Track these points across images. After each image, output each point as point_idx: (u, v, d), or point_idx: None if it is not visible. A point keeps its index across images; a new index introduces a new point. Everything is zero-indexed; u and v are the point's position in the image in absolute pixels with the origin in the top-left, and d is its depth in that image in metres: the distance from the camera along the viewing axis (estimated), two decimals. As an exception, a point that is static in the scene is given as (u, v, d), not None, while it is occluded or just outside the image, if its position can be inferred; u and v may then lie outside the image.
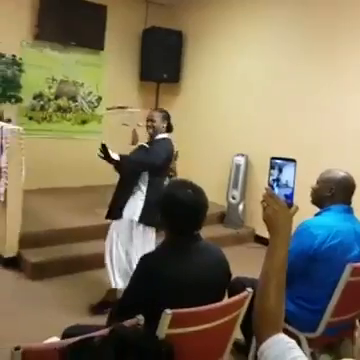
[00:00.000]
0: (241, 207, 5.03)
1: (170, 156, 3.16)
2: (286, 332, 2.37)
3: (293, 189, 1.11)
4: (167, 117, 3.25)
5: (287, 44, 4.75)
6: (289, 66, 4.72)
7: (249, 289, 1.69)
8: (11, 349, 1.24)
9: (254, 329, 1.10)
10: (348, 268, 2.07)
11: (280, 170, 1.13)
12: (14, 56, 4.87)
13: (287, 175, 1.11)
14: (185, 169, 4.79)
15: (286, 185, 1.11)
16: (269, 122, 4.93)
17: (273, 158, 1.14)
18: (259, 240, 4.73)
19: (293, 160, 1.12)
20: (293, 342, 1.04)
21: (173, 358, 0.77)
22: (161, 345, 0.79)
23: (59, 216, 4.27)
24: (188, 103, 5.97)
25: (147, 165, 2.99)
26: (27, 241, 3.69)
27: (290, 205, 1.10)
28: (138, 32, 6.00)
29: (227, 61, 5.45)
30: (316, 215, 2.29)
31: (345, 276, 2.08)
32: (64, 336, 1.88)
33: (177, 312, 1.52)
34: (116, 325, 0.81)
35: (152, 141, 3.14)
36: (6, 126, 3.81)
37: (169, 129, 3.28)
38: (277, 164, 1.13)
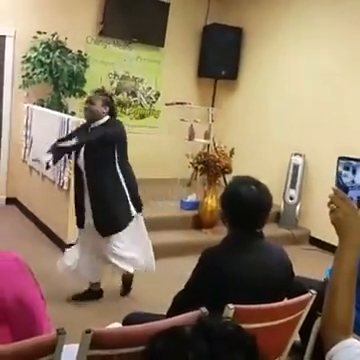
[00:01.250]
0: (298, 208, 4.94)
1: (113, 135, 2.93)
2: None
3: None
4: (108, 102, 2.98)
5: (350, 40, 4.59)
6: (351, 63, 4.56)
7: (313, 291, 1.67)
8: (82, 332, 1.29)
9: (322, 333, 1.09)
10: None
11: (349, 170, 1.09)
12: (80, 52, 5.07)
13: (357, 176, 1.08)
14: (240, 166, 4.76)
15: (356, 186, 1.08)
16: (328, 121, 4.79)
17: (341, 158, 1.10)
18: (314, 242, 4.62)
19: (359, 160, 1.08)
20: None
21: (257, 350, 0.78)
22: (247, 336, 0.80)
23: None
24: (245, 100, 5.92)
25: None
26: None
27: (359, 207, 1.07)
28: (198, 29, 6.03)
29: (286, 58, 5.34)
30: None
31: None
32: (125, 323, 1.97)
33: (240, 308, 1.54)
34: (204, 316, 0.83)
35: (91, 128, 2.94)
36: (72, 118, 3.99)
37: (111, 114, 2.99)
38: (346, 164, 1.09)
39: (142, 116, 5.96)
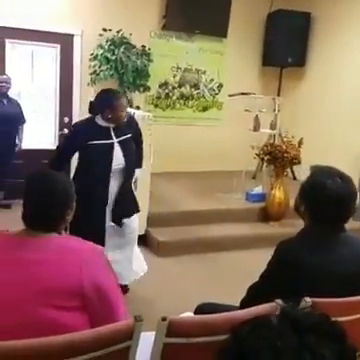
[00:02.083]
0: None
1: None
2: None
3: None
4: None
5: None
6: None
7: None
8: (158, 319, 1.29)
9: None
10: None
11: None
12: (144, 47, 5.15)
13: None
14: (309, 157, 4.58)
15: None
16: None
17: None
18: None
19: None
20: None
21: (346, 339, 0.74)
22: (336, 325, 0.76)
23: (183, 199, 4.47)
24: (314, 88, 5.66)
25: None
26: (154, 221, 3.93)
27: None
28: (262, 16, 5.86)
29: (358, 44, 5.02)
30: None
31: None
32: (196, 312, 1.97)
33: (317, 301, 1.48)
34: (286, 306, 0.80)
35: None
36: (137, 113, 4.07)
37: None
38: None
39: (205, 108, 5.94)
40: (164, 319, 1.31)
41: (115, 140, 2.72)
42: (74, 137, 2.75)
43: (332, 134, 5.33)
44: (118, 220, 2.81)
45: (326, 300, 1.51)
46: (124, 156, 2.73)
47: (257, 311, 1.37)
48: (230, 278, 3.35)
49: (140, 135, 3.06)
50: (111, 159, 2.68)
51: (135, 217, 2.96)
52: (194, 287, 3.17)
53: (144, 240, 3.87)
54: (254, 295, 1.74)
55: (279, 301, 1.49)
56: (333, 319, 0.78)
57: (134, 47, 5.04)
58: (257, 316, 0.76)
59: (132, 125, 2.92)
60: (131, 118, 2.99)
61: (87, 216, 2.48)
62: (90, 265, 1.38)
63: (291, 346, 0.68)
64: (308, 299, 1.49)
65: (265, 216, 4.42)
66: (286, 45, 5.56)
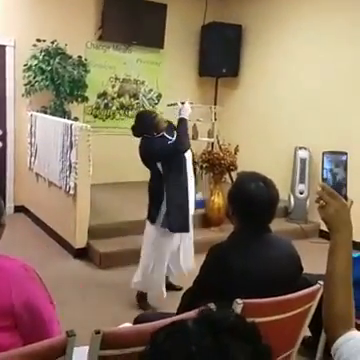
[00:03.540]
0: (308, 202, 4.92)
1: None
2: (357, 326, 2.31)
3: (346, 183, 1.06)
4: None
5: (351, 36, 4.57)
6: (351, 57, 4.54)
7: (321, 282, 1.67)
8: (92, 333, 1.29)
9: (325, 328, 1.10)
10: None
11: (333, 164, 1.07)
12: (80, 57, 5.10)
13: (340, 169, 1.06)
14: (246, 163, 4.76)
15: (340, 180, 1.06)
16: (330, 114, 4.78)
17: (325, 153, 1.08)
18: (324, 235, 4.59)
19: (345, 153, 1.07)
20: None
21: (261, 339, 0.78)
22: (252, 326, 0.79)
23: (125, 209, 4.45)
24: (247, 97, 5.91)
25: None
26: (95, 233, 3.88)
27: (346, 200, 1.05)
28: (197, 28, 6.03)
29: (286, 53, 5.33)
30: None
31: None
32: (136, 322, 1.98)
33: (248, 302, 1.55)
34: (204, 308, 0.81)
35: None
36: (75, 124, 4.03)
37: None
38: (330, 159, 1.07)
39: (145, 118, 5.97)
40: (98, 332, 1.31)
41: None
42: None
43: (266, 139, 5.59)
44: None
45: (257, 301, 1.58)
46: None
47: (182, 317, 1.41)
48: (178, 284, 3.37)
49: None
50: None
51: None
52: (133, 298, 3.16)
53: (85, 253, 3.82)
54: (188, 301, 1.79)
55: (212, 305, 1.55)
56: (251, 320, 0.79)
57: (70, 57, 4.97)
58: (174, 321, 0.78)
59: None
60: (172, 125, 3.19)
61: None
62: (20, 283, 1.36)
63: (205, 348, 0.70)
64: (239, 301, 1.55)
65: (206, 222, 4.52)
66: (220, 56, 5.76)
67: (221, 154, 4.46)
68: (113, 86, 5.67)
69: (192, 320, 0.75)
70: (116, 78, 5.67)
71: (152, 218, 3.02)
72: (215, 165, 4.43)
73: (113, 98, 5.69)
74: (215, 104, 5.93)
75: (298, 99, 5.17)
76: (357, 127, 4.51)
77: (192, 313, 1.39)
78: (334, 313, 1.07)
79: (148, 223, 3.08)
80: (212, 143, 5.34)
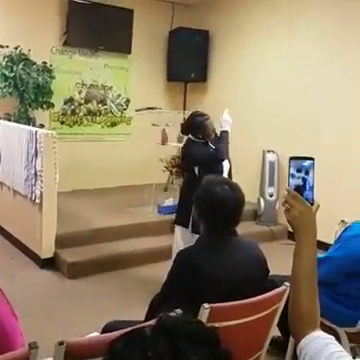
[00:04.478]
0: (278, 204, 4.99)
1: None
2: (324, 327, 2.35)
3: (313, 187, 1.09)
4: None
5: (315, 42, 4.67)
6: (319, 61, 4.65)
7: (287, 283, 1.67)
8: (55, 344, 1.26)
9: (291, 328, 1.12)
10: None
11: (299, 170, 1.10)
12: (45, 63, 5.00)
13: (306, 174, 1.09)
14: (215, 167, 4.78)
15: (307, 184, 1.09)
16: (296, 118, 4.88)
17: (292, 158, 1.11)
18: (292, 237, 4.66)
19: (312, 159, 1.10)
20: (330, 338, 1.05)
21: (220, 343, 0.78)
22: (211, 331, 0.79)
23: (93, 216, 4.37)
24: (216, 101, 5.94)
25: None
26: (63, 242, 3.79)
27: (312, 204, 1.09)
28: (164, 34, 6.05)
29: (253, 58, 5.41)
30: None
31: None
32: (104, 331, 1.93)
33: (215, 306, 1.54)
34: (163, 315, 0.81)
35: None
36: (40, 131, 3.93)
37: None
38: (296, 164, 1.10)
39: (114, 124, 5.92)
40: (61, 343, 1.27)
41: None
42: None
43: (235, 143, 5.60)
44: None
45: (224, 304, 1.58)
46: None
47: (145, 324, 1.38)
48: (145, 292, 3.31)
49: None
50: None
51: None
52: (107, 306, 3.10)
53: (53, 263, 3.72)
54: (156, 308, 1.76)
55: (179, 310, 1.53)
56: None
57: (34, 63, 4.87)
58: (132, 329, 0.77)
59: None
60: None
61: None
62: None
63: (161, 354, 0.70)
64: (206, 305, 1.54)
65: (177, 227, 4.49)
66: (188, 61, 5.79)
67: (190, 159, 4.45)
68: (80, 92, 5.59)
69: (150, 327, 0.76)
70: (83, 84, 5.59)
71: (184, 222, 3.11)
72: (185, 170, 4.42)
73: (80, 104, 5.61)
74: (185, 109, 5.94)
75: (266, 103, 5.24)
76: (324, 131, 4.58)
77: (151, 321, 1.37)
78: (299, 313, 1.08)
79: (179, 227, 3.20)
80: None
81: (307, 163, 1.10)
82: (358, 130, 4.31)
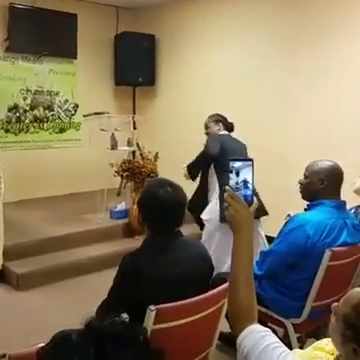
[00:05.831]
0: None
1: (225, 148, 3.38)
2: (272, 319, 2.43)
3: (253, 187, 1.15)
4: (220, 120, 3.61)
5: (261, 43, 4.78)
6: (265, 65, 4.77)
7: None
8: (-3, 357, 1.24)
9: (230, 322, 1.16)
10: (327, 253, 2.12)
11: (239, 171, 1.15)
12: (-14, 70, 4.83)
13: (246, 175, 1.15)
14: (165, 171, 4.81)
15: (246, 184, 1.15)
16: (246, 122, 5.00)
17: (231, 160, 1.17)
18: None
19: (250, 159, 1.15)
20: (266, 330, 1.10)
21: (149, 343, 0.79)
22: (139, 331, 0.80)
23: (43, 225, 4.26)
24: (165, 105, 6.00)
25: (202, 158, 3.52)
26: (12, 253, 3.67)
27: (250, 203, 1.15)
28: (110, 38, 6.01)
29: (200, 61, 5.49)
30: (309, 209, 2.27)
31: (325, 261, 2.13)
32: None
33: (161, 308, 1.55)
34: (92, 319, 0.82)
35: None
36: (-18, 140, 3.79)
37: (228, 128, 3.63)
38: (236, 165, 1.15)
39: (62, 130, 5.81)
40: (3, 356, 1.27)
41: None
42: None
43: (185, 146, 5.69)
44: None
45: (169, 305, 1.59)
46: None
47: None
48: (100, 299, 3.29)
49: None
50: None
51: None
52: (58, 317, 3.02)
53: (1, 275, 3.59)
54: (103, 311, 1.76)
55: (124, 315, 1.53)
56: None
57: (-25, 70, 4.69)
58: (57, 336, 0.78)
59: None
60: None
61: None
62: None
63: (88, 358, 0.71)
64: (152, 307, 1.55)
65: (130, 231, 4.48)
66: (135, 65, 5.79)
67: (141, 162, 4.47)
68: (25, 98, 5.43)
69: (77, 333, 0.76)
70: (27, 90, 5.44)
71: (221, 216, 3.16)
72: (136, 173, 4.43)
73: (26, 111, 5.45)
74: (134, 113, 5.94)
75: (213, 106, 5.33)
76: (273, 133, 4.68)
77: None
78: (237, 307, 1.13)
79: (212, 223, 3.29)
80: (133, 152, 5.34)
81: (245, 164, 1.15)
82: (300, 130, 4.48)
